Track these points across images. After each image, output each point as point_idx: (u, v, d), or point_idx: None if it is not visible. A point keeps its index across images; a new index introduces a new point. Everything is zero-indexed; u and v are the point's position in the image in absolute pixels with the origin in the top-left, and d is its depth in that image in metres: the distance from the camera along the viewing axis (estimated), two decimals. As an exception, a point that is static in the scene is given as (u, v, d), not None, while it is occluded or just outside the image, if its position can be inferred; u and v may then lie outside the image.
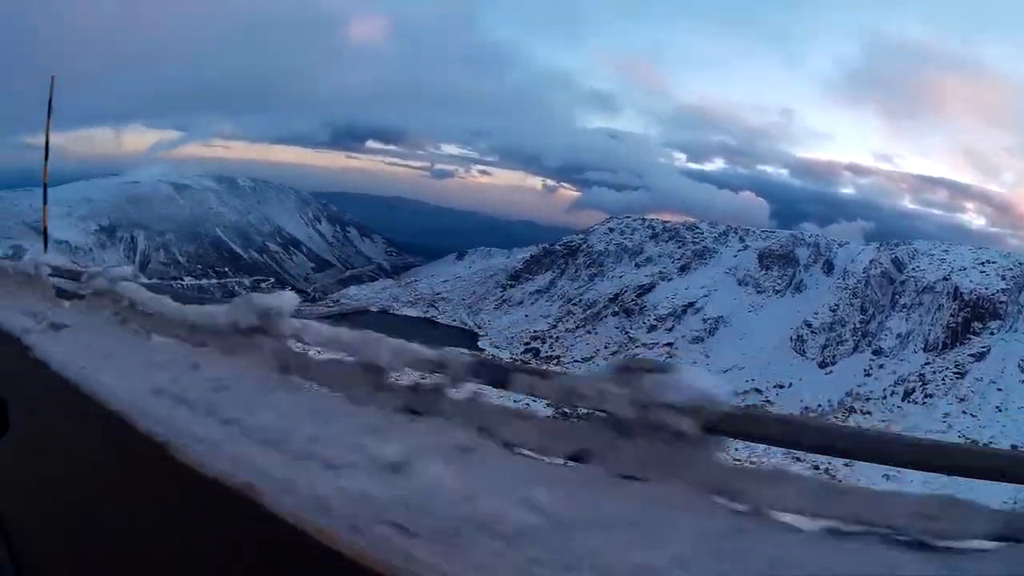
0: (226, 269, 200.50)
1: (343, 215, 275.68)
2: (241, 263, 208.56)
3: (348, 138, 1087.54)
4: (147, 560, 3.51)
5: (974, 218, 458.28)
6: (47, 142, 14.73)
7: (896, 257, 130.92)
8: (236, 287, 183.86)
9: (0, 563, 1.83)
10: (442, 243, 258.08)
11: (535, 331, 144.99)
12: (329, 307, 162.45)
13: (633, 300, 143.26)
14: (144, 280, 10.74)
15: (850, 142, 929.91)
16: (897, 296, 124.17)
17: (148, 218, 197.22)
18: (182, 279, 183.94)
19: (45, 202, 17.77)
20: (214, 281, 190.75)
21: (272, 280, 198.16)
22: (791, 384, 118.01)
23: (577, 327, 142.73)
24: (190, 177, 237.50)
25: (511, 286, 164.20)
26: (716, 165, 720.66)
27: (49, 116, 13.76)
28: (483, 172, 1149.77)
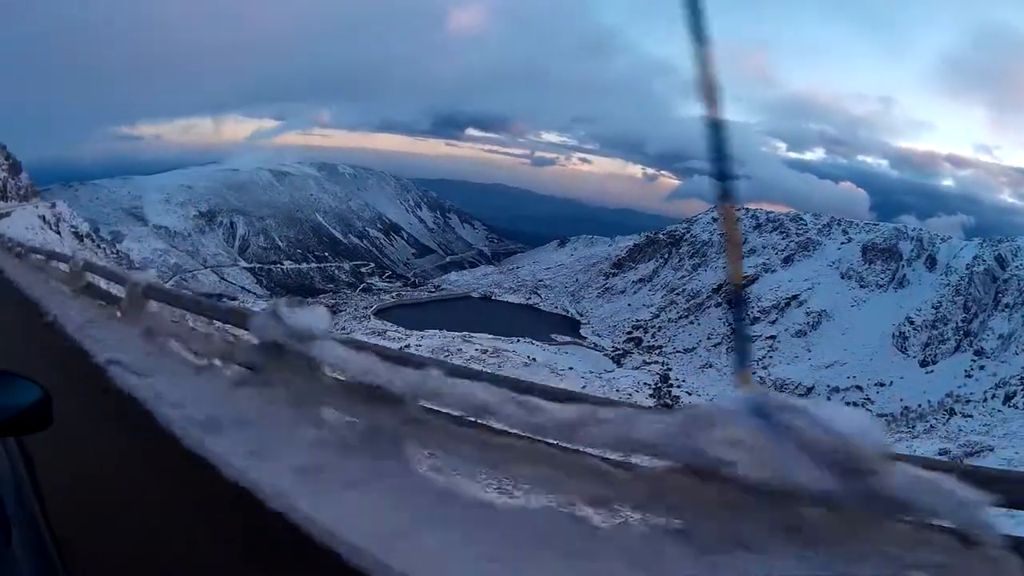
0: (326, 254, 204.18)
1: (444, 202, 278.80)
2: (341, 248, 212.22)
3: (448, 126, 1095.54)
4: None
5: None
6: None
7: (1000, 254, 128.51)
8: (336, 271, 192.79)
9: (50, 560, 1.82)
10: (542, 230, 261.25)
11: (637, 320, 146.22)
12: (431, 292, 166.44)
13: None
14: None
15: (950, 133, 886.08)
16: (1000, 295, 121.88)
17: (248, 204, 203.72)
18: (282, 263, 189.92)
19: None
20: (314, 265, 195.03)
21: (372, 265, 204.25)
22: (892, 383, 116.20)
23: (679, 317, 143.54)
24: (290, 164, 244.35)
25: (614, 274, 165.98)
26: (816, 155, 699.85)
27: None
28: (583, 160, 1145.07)
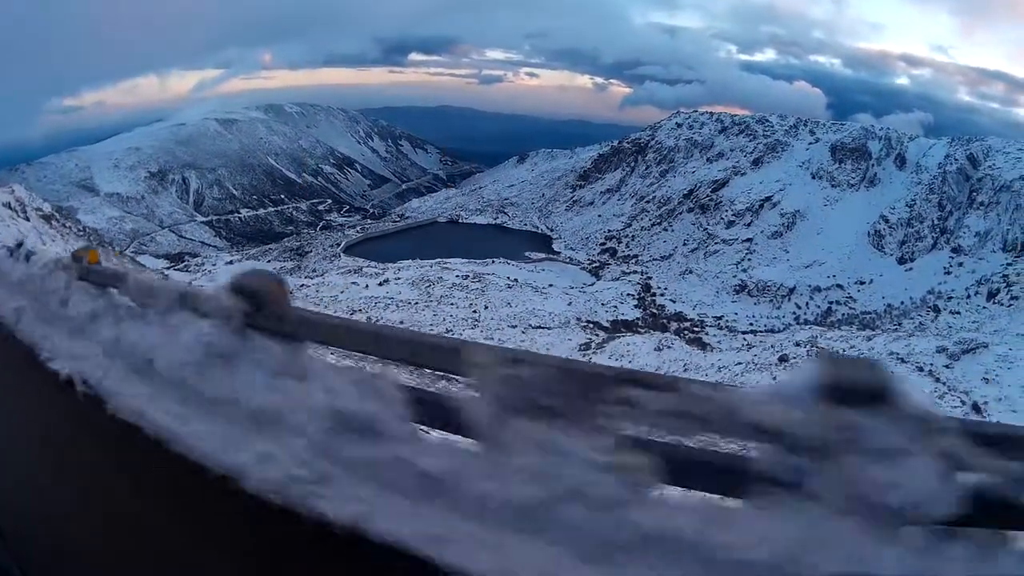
0: (282, 196, 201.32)
1: (394, 129, 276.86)
2: (296, 189, 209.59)
3: (391, 53, 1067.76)
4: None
5: None
6: None
7: (971, 154, 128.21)
8: (294, 212, 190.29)
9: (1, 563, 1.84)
10: (495, 149, 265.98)
11: (609, 231, 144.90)
12: (395, 222, 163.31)
13: (708, 196, 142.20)
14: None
15: (903, 32, 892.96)
16: (974, 194, 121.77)
17: (198, 157, 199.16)
18: (239, 212, 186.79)
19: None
20: (271, 210, 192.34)
21: (329, 202, 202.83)
22: (871, 280, 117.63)
23: (652, 225, 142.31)
24: (236, 111, 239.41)
25: (580, 186, 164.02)
26: (767, 56, 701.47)
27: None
28: (530, 75, 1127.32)
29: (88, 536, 3.27)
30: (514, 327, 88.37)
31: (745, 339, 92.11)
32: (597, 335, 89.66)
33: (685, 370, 71.95)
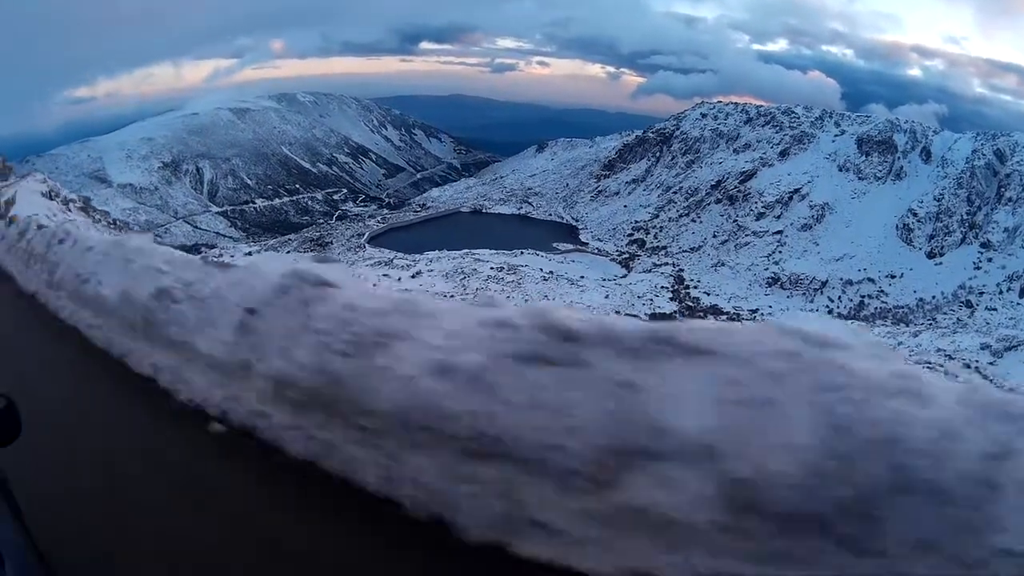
0: (297, 186, 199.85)
1: (407, 118, 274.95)
2: (311, 178, 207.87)
3: (402, 41, 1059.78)
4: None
5: None
6: None
7: (998, 149, 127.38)
8: (309, 202, 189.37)
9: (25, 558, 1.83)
10: (509, 137, 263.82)
11: (636, 222, 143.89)
12: (416, 212, 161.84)
13: (736, 187, 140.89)
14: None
15: (916, 23, 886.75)
16: (1003, 189, 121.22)
17: (211, 147, 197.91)
18: (254, 202, 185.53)
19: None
20: (286, 199, 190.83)
21: (344, 191, 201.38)
22: (902, 275, 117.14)
23: (680, 216, 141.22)
24: (249, 100, 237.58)
25: (605, 176, 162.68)
26: (780, 46, 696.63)
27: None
28: (542, 64, 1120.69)
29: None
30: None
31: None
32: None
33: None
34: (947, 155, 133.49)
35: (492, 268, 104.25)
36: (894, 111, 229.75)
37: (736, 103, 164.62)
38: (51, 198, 57.34)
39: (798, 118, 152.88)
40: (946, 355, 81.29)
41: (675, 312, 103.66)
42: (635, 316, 79.45)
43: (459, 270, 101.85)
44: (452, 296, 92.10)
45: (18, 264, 11.25)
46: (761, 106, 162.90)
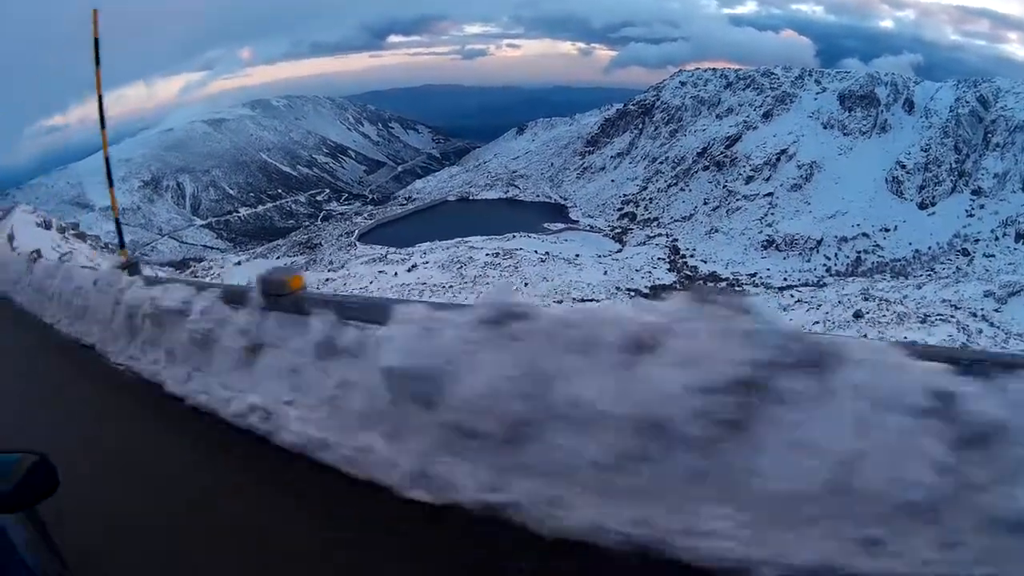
0: (279, 191, 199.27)
1: (383, 113, 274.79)
2: (292, 182, 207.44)
3: (370, 37, 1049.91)
4: None
5: (1018, 49, 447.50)
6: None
7: (981, 95, 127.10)
8: (293, 206, 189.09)
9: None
10: (487, 122, 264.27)
11: (625, 195, 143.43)
12: (403, 205, 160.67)
13: (722, 152, 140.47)
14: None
15: None
16: (989, 135, 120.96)
17: (190, 160, 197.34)
18: (237, 211, 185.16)
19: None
20: (270, 206, 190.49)
21: (327, 191, 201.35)
22: (896, 227, 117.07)
23: (669, 186, 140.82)
24: (223, 110, 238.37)
25: (589, 152, 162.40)
26: (749, 8, 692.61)
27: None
28: (512, 46, 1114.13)
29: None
30: (560, 302, 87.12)
31: (792, 296, 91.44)
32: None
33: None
34: (930, 105, 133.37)
35: (487, 254, 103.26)
36: (870, 64, 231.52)
37: (715, 69, 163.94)
38: (47, 228, 56.31)
39: (778, 79, 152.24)
40: (952, 305, 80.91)
41: (675, 283, 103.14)
42: (636, 291, 78.25)
43: (454, 259, 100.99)
44: (451, 286, 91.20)
45: (54, 309, 10.47)
46: (740, 70, 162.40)
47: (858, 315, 73.20)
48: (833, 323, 72.96)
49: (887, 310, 76.14)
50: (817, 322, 73.36)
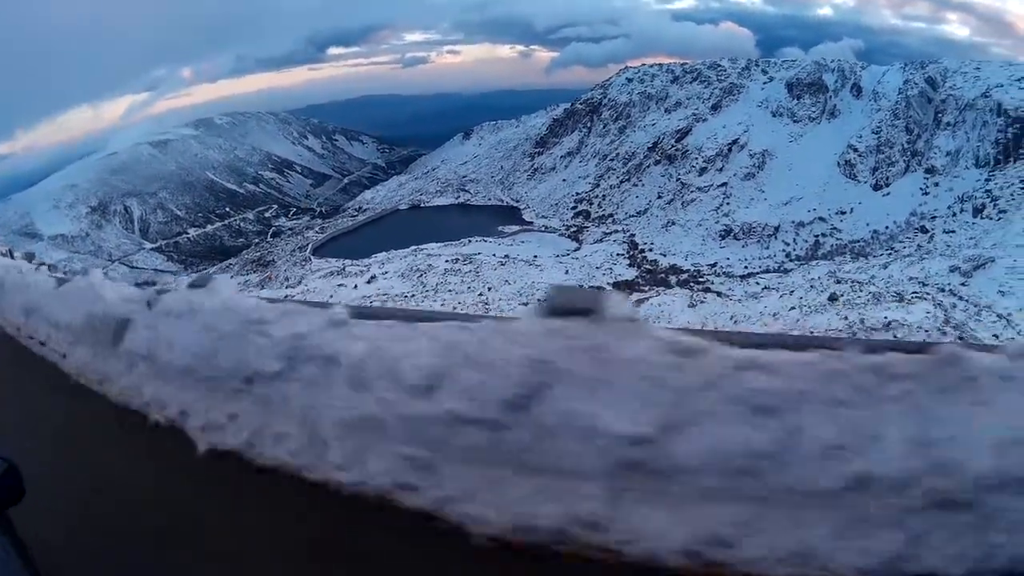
0: (227, 209, 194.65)
1: (326, 125, 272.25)
2: (240, 199, 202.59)
3: (310, 50, 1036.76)
4: None
5: (957, 29, 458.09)
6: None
7: (929, 76, 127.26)
8: (242, 224, 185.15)
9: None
10: (431, 130, 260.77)
11: (578, 193, 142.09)
12: (354, 216, 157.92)
13: (673, 146, 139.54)
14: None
15: None
16: (939, 115, 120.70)
17: (136, 184, 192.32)
18: (187, 232, 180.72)
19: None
20: (219, 225, 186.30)
21: (275, 207, 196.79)
22: (852, 209, 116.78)
23: (621, 182, 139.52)
24: (168, 131, 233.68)
25: (539, 153, 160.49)
26: (688, 2, 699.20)
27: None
28: (452, 52, 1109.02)
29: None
30: (526, 304, 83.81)
31: (758, 283, 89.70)
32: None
33: (734, 322, 68.88)
34: (878, 88, 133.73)
35: (446, 261, 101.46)
36: (810, 52, 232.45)
37: (660, 64, 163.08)
38: (12, 257, 51.04)
39: (725, 71, 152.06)
40: (919, 282, 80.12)
41: (636, 278, 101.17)
42: (599, 287, 75.17)
43: (413, 268, 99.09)
44: (413, 295, 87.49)
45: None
46: (686, 63, 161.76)
47: (833, 298, 71.69)
48: (809, 307, 71.00)
49: (860, 291, 74.71)
50: (793, 308, 71.42)
